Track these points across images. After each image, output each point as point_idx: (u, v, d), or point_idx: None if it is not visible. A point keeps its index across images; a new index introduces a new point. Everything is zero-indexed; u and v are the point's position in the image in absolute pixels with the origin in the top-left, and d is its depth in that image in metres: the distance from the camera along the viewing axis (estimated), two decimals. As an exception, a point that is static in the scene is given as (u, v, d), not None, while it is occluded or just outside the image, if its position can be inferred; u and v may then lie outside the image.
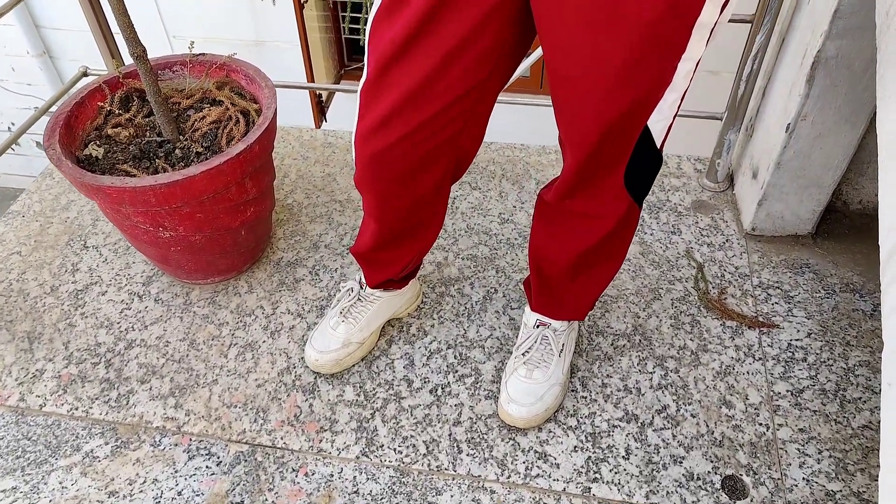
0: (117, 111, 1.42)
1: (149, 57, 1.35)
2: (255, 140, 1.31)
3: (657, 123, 0.92)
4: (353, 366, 1.35)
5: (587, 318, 1.43)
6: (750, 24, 1.45)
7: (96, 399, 1.32)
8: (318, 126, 2.99)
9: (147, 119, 1.43)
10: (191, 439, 1.25)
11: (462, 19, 0.84)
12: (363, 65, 0.96)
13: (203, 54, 1.51)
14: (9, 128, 3.57)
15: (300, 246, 1.61)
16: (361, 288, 1.36)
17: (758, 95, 1.56)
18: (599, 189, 1.01)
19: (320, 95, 3.05)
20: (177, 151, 1.38)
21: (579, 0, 0.79)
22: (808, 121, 1.34)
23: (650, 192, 1.70)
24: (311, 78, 2.90)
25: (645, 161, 0.97)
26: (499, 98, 1.05)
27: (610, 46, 0.81)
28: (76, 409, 1.31)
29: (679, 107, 0.93)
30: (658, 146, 0.96)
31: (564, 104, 0.92)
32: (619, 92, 0.85)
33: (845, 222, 1.59)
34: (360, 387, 1.32)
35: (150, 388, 1.33)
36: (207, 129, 1.40)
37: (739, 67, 1.50)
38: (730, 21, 1.50)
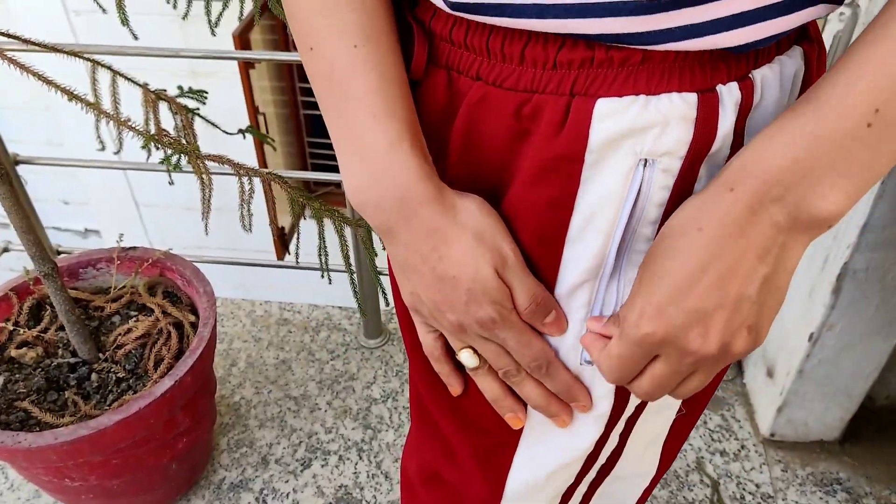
0: (23, 328, 1.20)
1: (67, 250, 1.15)
2: (187, 371, 1.08)
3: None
4: None
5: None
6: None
7: None
8: (279, 257, 2.78)
9: (60, 334, 1.21)
10: None
11: None
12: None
13: (134, 248, 1.30)
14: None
15: (246, 461, 1.37)
16: None
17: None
18: None
19: (283, 227, 2.86)
20: (93, 377, 1.15)
21: None
22: (835, 331, 1.17)
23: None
24: (273, 214, 2.72)
25: None
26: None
27: None
28: None
29: None
30: None
31: None
32: None
33: (873, 420, 1.39)
34: None
35: None
36: (132, 346, 1.18)
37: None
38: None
